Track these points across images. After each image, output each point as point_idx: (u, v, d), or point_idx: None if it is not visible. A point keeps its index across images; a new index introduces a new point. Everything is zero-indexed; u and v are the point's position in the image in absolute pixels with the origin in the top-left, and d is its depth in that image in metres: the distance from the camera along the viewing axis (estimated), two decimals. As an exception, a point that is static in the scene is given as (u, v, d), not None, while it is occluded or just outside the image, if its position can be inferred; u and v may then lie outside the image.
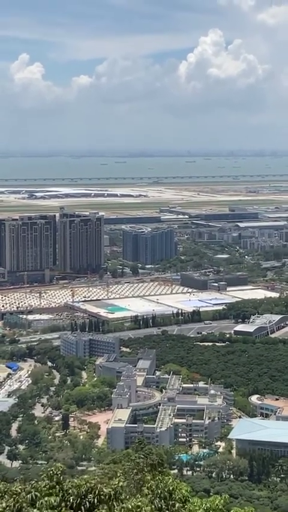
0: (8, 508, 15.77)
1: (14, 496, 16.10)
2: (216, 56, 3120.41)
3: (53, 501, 16.15)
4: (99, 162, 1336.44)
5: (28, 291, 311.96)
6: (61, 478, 17.71)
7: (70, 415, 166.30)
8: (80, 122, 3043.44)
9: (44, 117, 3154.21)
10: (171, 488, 18.29)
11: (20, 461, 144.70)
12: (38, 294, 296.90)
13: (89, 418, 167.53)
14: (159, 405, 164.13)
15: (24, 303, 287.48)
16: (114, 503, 16.96)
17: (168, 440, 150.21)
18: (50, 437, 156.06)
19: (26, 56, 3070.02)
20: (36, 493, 16.53)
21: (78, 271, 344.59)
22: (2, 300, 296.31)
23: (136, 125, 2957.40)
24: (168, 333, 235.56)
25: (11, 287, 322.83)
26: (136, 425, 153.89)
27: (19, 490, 16.48)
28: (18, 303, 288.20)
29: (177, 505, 17.84)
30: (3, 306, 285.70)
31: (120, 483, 17.58)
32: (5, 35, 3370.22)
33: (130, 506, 16.83)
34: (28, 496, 16.47)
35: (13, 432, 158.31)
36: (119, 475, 19.66)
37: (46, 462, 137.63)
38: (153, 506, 17.38)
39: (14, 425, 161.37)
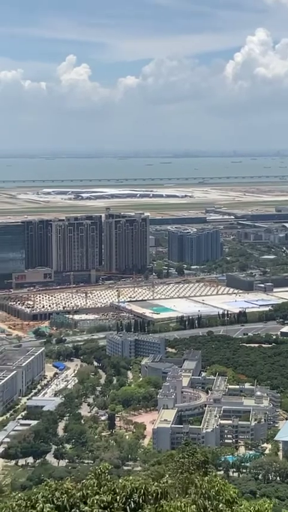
0: (61, 504, 16.00)
1: (66, 493, 16.31)
2: (264, 55, 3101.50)
3: (104, 499, 16.24)
4: (144, 162, 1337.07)
5: (74, 291, 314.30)
6: (109, 477, 17.76)
7: (116, 415, 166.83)
8: (126, 122, 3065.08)
9: (91, 117, 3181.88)
10: (216, 489, 17.93)
11: (67, 461, 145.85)
12: (84, 294, 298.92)
13: (135, 418, 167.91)
14: (205, 406, 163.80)
15: (71, 303, 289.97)
16: (162, 502, 16.85)
17: (214, 442, 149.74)
18: (96, 436, 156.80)
19: (73, 57, 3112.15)
20: (88, 491, 16.70)
21: (124, 272, 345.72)
22: (49, 300, 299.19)
23: (182, 125, 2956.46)
24: (214, 334, 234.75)
25: (58, 287, 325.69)
26: (182, 426, 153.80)
27: (71, 488, 16.71)
28: (65, 303, 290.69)
29: (220, 505, 17.53)
30: (50, 306, 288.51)
31: (169, 481, 17.48)
32: (53, 36, 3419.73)
33: (175, 506, 16.73)
34: (79, 493, 16.67)
35: (60, 431, 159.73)
36: (166, 475, 19.54)
37: (92, 461, 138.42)
38: (194, 506, 17.09)
39: (61, 425, 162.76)
